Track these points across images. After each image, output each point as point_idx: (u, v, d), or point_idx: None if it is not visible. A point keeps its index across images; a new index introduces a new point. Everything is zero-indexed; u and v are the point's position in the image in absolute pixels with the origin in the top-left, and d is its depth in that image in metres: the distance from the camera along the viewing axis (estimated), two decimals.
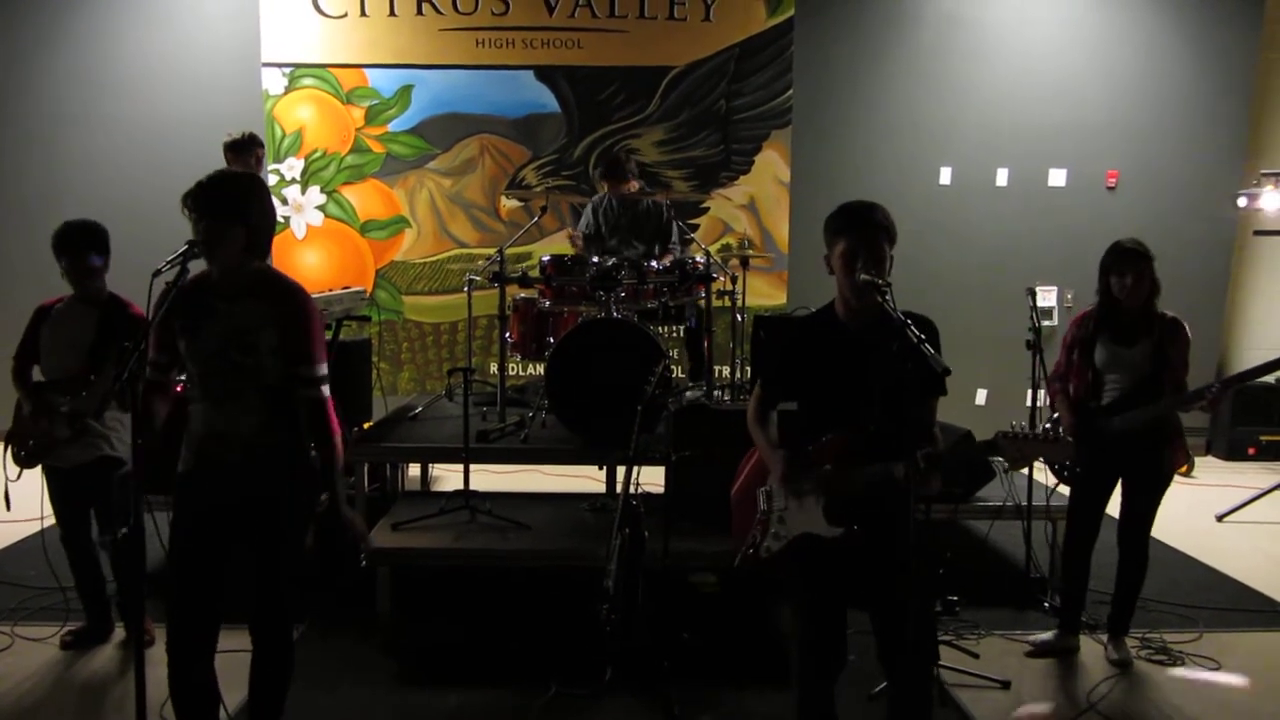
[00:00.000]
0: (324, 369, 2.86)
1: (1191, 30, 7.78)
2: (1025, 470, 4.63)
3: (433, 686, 3.82)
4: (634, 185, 5.95)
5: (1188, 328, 3.83)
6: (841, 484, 2.71)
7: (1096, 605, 4.31)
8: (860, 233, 2.70)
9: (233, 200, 2.74)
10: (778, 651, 4.14)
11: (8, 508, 3.95)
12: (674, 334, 6.44)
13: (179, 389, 3.10)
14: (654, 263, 5.35)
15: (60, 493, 3.97)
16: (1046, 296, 7.80)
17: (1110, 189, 7.92)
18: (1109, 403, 3.88)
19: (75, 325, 3.86)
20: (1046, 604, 4.51)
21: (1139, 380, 3.81)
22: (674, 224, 6.00)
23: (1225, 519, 6.17)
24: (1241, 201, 7.44)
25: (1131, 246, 3.81)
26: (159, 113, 7.73)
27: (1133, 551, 3.97)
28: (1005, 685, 3.80)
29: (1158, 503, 3.93)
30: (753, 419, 2.95)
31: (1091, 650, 4.14)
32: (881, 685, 3.51)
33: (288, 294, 2.84)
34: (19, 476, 3.91)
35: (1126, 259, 3.80)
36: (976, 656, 4.01)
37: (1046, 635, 4.15)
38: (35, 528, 4.45)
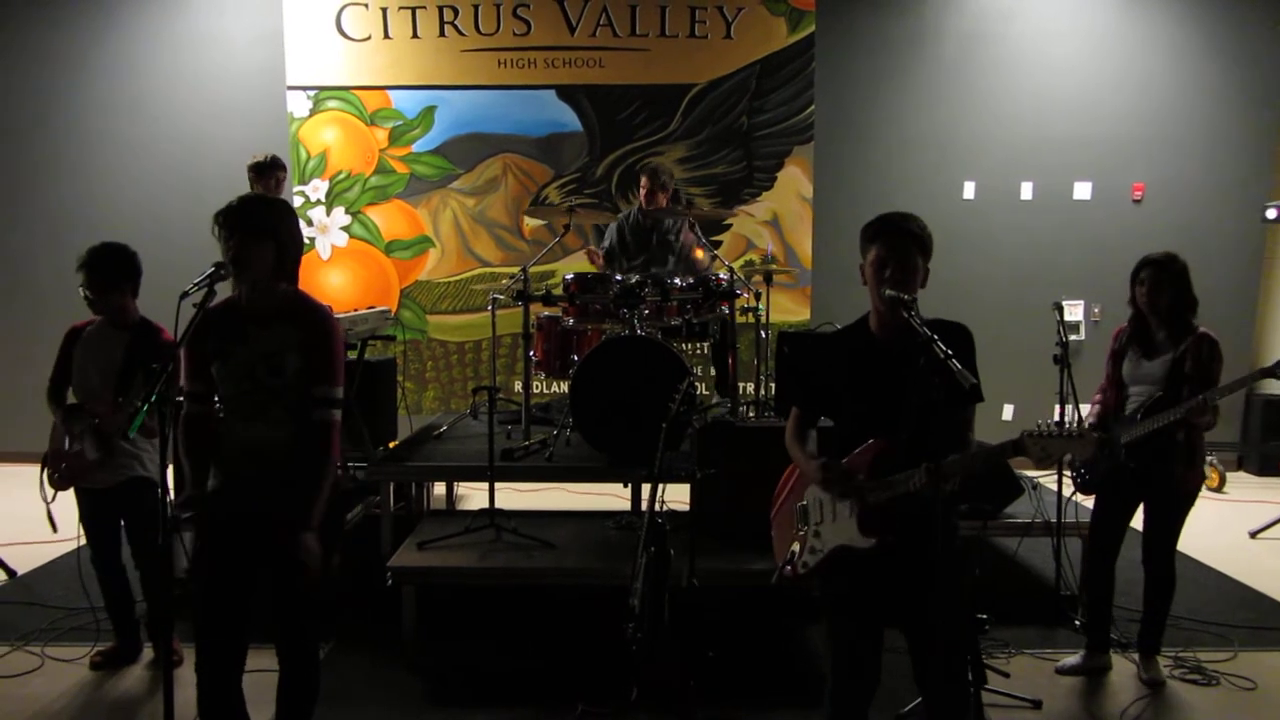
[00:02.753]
0: (340, 392, 2.89)
1: (1217, 40, 7.73)
2: (1055, 487, 4.59)
3: (458, 706, 3.82)
4: (664, 199, 5.95)
5: (1220, 343, 3.78)
6: (874, 494, 2.69)
7: (1128, 624, 4.26)
8: (890, 242, 2.68)
9: (264, 218, 2.81)
10: (805, 670, 4.11)
11: (54, 529, 4.00)
12: (698, 351, 6.43)
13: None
14: (678, 280, 5.35)
15: (91, 514, 4.00)
16: (1073, 311, 7.76)
17: (1136, 202, 7.86)
18: (1128, 415, 3.86)
19: (104, 348, 3.88)
20: (1077, 622, 4.46)
21: (1158, 393, 3.78)
22: (696, 231, 5.95)
23: (1258, 535, 6.07)
24: (1270, 213, 7.36)
25: (1152, 255, 3.83)
26: (186, 136, 7.84)
27: (1157, 570, 3.92)
28: (1036, 705, 3.75)
29: (1180, 520, 3.88)
30: (790, 438, 2.93)
31: (1124, 669, 4.08)
32: (913, 703, 3.48)
33: (315, 317, 2.88)
34: (54, 498, 3.95)
35: (1143, 266, 3.83)
36: (1007, 675, 3.96)
37: (1074, 659, 4.10)
38: (65, 548, 4.49)
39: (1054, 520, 4.57)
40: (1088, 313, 7.82)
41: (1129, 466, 3.80)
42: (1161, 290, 3.78)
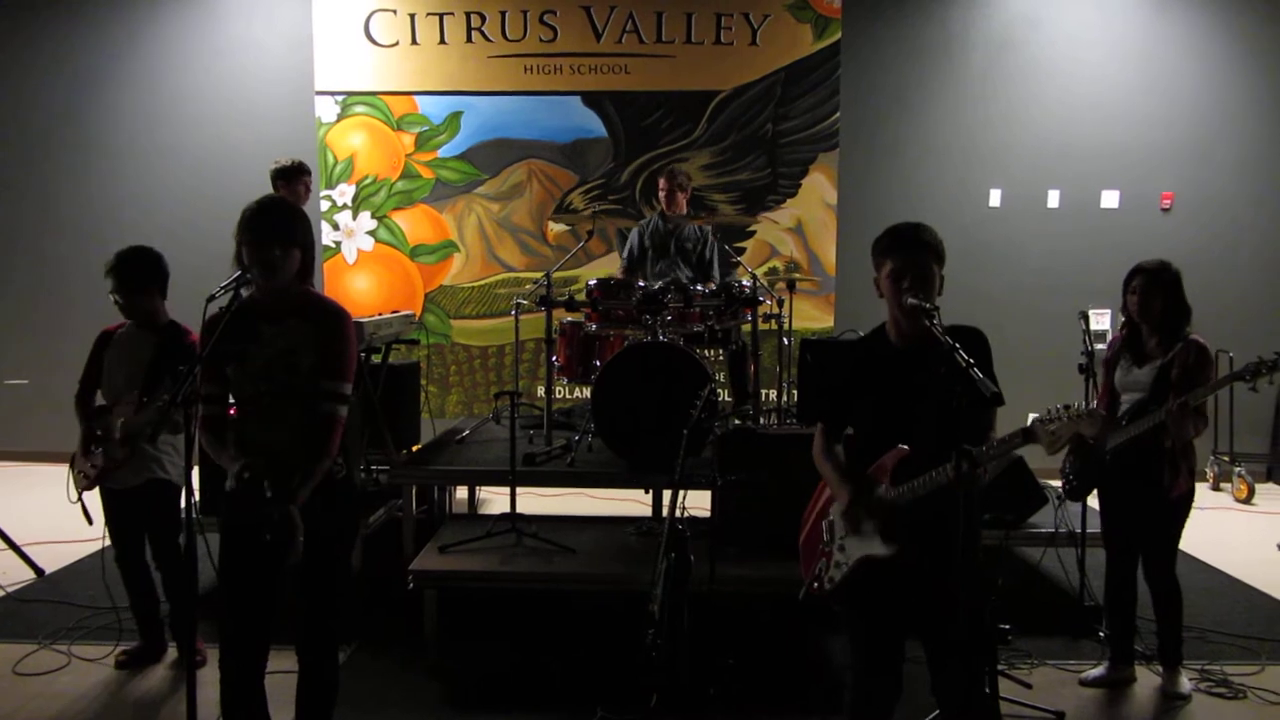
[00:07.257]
0: (348, 389, 2.90)
1: (1248, 47, 7.66)
2: (1083, 500, 4.55)
3: (477, 710, 3.83)
4: (684, 200, 5.96)
5: (1210, 350, 3.74)
6: (904, 496, 2.68)
7: (1152, 635, 4.20)
8: (905, 253, 2.68)
9: (291, 226, 2.84)
10: (825, 678, 4.09)
11: (89, 522, 4.04)
12: (720, 358, 6.42)
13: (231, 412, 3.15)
14: (699, 286, 5.36)
15: (114, 514, 4.04)
16: (1100, 319, 7.68)
17: (1165, 210, 7.79)
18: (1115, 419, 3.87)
19: (133, 350, 3.93)
20: (1101, 633, 4.41)
21: (1145, 400, 3.77)
22: (717, 250, 5.99)
23: None
24: None
25: (1145, 264, 3.84)
26: (216, 142, 7.92)
27: (1159, 584, 3.89)
28: (1059, 716, 3.71)
29: (1175, 531, 3.85)
30: (818, 454, 2.92)
31: (1148, 681, 4.04)
32: (932, 715, 3.45)
33: (329, 314, 2.91)
34: (79, 498, 4.00)
35: (1134, 274, 3.84)
36: (1029, 686, 3.93)
37: (1098, 670, 4.06)
38: (92, 547, 4.54)
39: (1078, 530, 4.53)
40: (1115, 322, 7.74)
41: (1113, 471, 3.81)
42: (1153, 298, 3.78)
